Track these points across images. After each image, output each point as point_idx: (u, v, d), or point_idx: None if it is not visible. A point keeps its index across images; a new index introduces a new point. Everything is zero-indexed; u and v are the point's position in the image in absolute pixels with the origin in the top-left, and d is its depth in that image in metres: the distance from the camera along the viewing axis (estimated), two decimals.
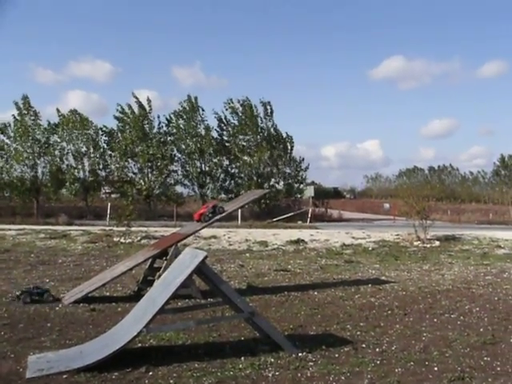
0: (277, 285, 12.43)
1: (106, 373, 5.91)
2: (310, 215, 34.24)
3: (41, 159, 34.97)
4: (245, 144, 37.54)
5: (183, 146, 36.86)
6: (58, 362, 6.20)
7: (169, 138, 37.21)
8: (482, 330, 8.26)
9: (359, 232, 22.95)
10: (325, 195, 52.35)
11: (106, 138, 36.72)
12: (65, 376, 5.81)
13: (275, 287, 12.05)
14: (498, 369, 6.34)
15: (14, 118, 34.74)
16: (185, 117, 37.01)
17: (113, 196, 38.52)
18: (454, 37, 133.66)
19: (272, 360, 6.51)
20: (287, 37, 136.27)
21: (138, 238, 19.93)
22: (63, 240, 19.49)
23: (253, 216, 33.21)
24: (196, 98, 37.03)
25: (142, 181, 36.07)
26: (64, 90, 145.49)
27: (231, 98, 37.74)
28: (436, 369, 6.32)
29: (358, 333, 7.97)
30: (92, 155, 36.12)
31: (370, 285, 12.34)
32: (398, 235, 21.77)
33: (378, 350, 7.08)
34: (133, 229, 20.53)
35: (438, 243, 20.24)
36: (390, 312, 9.53)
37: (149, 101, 36.53)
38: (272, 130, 37.92)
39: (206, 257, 6.71)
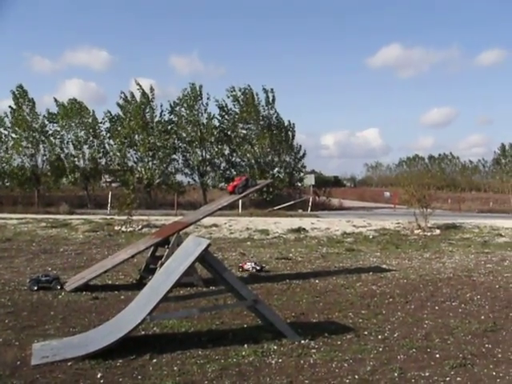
0: (278, 273, 12.46)
1: (111, 360, 5.94)
2: (310, 203, 34.29)
3: (40, 148, 35.00)
4: (246, 132, 37.53)
5: (184, 135, 36.71)
6: (63, 349, 6.23)
7: (169, 127, 36.99)
8: (483, 317, 8.28)
9: (360, 220, 22.94)
10: (325, 184, 52.33)
11: (109, 125, 36.65)
12: (69, 363, 5.83)
13: (277, 275, 12.08)
14: (500, 356, 6.37)
15: (11, 107, 34.76)
16: (187, 105, 36.76)
17: (113, 185, 38.53)
18: (452, 24, 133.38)
19: (275, 347, 6.54)
20: (283, 26, 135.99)
21: (139, 227, 19.93)
22: (64, 229, 19.48)
23: (253, 204, 33.21)
24: (201, 87, 36.74)
25: (142, 169, 35.99)
26: (61, 79, 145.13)
27: (233, 86, 37.66)
28: (438, 356, 6.34)
29: (360, 320, 8.01)
30: (92, 143, 36.08)
31: (371, 273, 12.38)
32: (398, 223, 21.77)
33: (380, 337, 7.11)
34: (134, 218, 20.49)
35: (438, 231, 20.25)
36: (391, 300, 9.57)
37: (152, 89, 36.43)
38: (273, 118, 37.92)
39: (209, 245, 6.72)
